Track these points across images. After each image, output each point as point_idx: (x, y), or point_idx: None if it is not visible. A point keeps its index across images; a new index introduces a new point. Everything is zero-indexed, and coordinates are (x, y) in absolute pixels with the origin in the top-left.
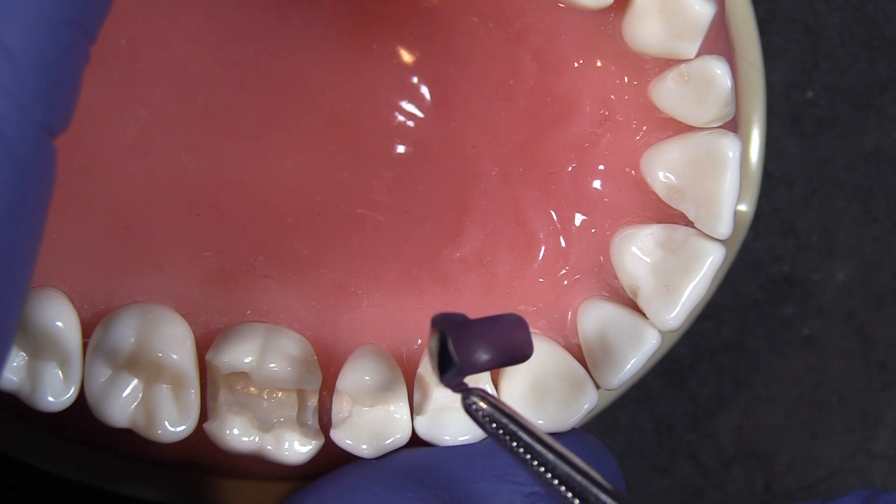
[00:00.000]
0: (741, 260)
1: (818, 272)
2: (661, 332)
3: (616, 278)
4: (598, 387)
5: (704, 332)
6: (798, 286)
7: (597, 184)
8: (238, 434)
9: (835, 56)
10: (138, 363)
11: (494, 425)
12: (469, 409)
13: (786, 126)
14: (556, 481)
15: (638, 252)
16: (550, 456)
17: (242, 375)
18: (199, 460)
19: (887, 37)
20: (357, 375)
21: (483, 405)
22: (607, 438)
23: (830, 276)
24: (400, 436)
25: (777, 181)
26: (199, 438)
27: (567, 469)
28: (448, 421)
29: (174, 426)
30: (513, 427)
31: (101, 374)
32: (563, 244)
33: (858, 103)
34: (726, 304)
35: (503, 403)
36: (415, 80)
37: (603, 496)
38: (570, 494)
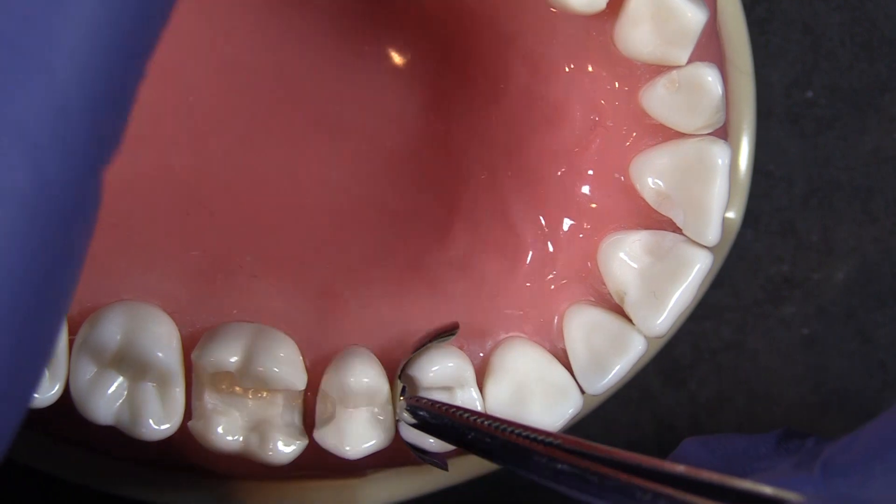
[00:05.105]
0: (741, 260)
1: (818, 272)
2: (647, 338)
3: (603, 284)
4: (583, 392)
5: (704, 332)
6: (798, 286)
7: (585, 189)
8: (223, 433)
9: (835, 56)
10: (124, 361)
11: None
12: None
13: (786, 126)
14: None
15: (625, 258)
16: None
17: (228, 375)
18: (184, 460)
19: (887, 37)
20: (341, 377)
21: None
22: (607, 438)
23: (830, 276)
24: (383, 437)
25: (777, 181)
26: (184, 437)
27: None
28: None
29: (159, 424)
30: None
31: (87, 371)
32: (550, 249)
33: (858, 103)
34: (726, 304)
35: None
36: (405, 82)
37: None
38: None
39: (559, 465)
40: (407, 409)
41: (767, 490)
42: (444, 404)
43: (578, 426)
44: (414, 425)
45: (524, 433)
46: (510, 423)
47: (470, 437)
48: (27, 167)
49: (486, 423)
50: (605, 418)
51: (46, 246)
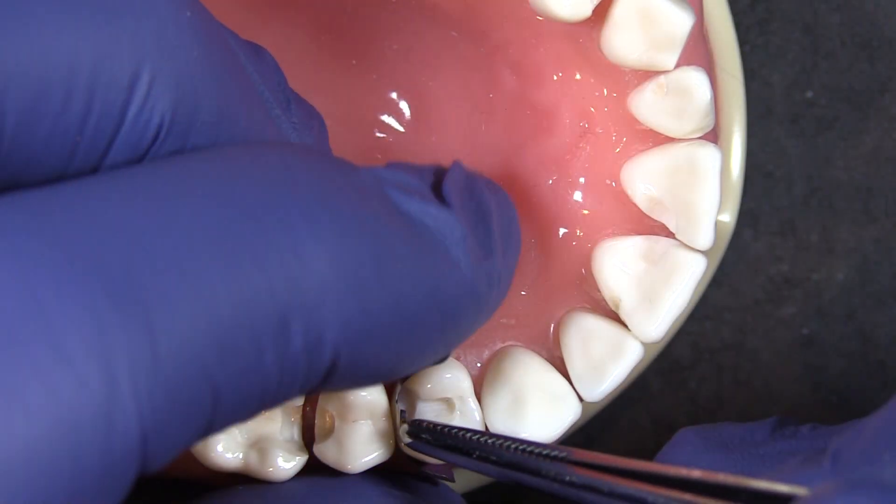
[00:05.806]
0: (741, 260)
1: (818, 272)
2: (643, 343)
3: (598, 290)
4: (581, 399)
5: (704, 332)
6: (798, 286)
7: (577, 196)
8: (222, 451)
9: (835, 56)
10: None
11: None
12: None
13: (786, 126)
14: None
15: (619, 264)
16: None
17: None
18: (185, 477)
19: (887, 37)
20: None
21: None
22: (606, 438)
23: (830, 276)
24: (383, 451)
25: (777, 181)
26: (185, 456)
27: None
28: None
29: None
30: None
31: None
32: (544, 257)
33: (858, 103)
34: (726, 304)
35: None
36: (394, 95)
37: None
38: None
39: (569, 477)
40: (409, 433)
41: (780, 487)
42: (445, 426)
43: (576, 428)
44: (417, 448)
45: (529, 448)
46: (515, 440)
47: (475, 455)
48: None
49: (490, 441)
50: (604, 419)
51: None
